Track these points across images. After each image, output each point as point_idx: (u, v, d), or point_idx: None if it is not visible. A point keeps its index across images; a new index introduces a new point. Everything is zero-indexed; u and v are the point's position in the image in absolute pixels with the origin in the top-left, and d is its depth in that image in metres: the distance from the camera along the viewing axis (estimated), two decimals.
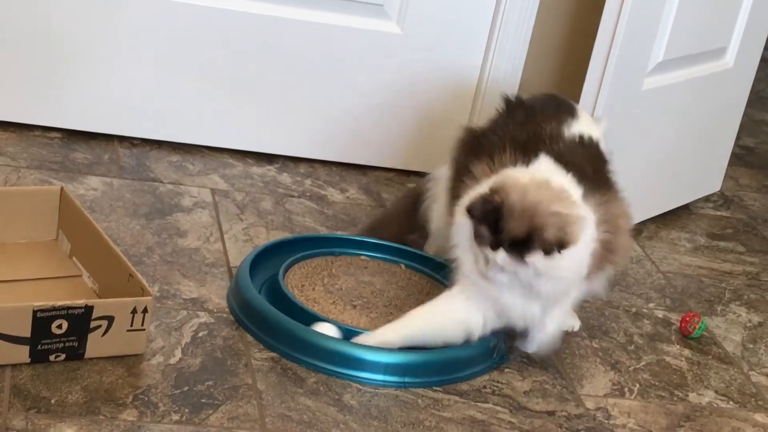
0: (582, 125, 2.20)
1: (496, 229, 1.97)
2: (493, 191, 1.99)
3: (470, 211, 2.00)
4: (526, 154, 2.09)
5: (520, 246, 1.97)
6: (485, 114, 2.79)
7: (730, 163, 3.15)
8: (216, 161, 2.73)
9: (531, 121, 2.18)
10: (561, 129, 2.16)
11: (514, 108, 2.25)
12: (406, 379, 2.03)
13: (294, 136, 2.80)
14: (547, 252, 1.96)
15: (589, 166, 2.13)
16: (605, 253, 2.09)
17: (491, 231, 1.98)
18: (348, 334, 2.06)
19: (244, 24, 2.68)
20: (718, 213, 3.02)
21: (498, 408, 2.03)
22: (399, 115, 2.81)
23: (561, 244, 1.96)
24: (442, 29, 2.75)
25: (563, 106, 2.25)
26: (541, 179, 2.03)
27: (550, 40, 2.77)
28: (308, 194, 2.67)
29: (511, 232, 1.96)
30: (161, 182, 2.58)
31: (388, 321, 2.12)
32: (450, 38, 2.76)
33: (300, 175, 2.75)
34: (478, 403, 2.03)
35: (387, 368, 2.02)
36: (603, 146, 2.23)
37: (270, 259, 2.26)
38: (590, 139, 2.19)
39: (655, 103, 2.68)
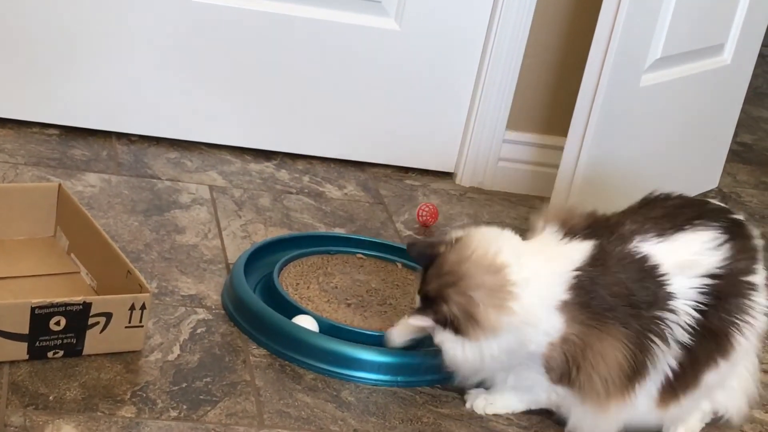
0: (675, 249, 1.88)
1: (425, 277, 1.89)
2: (451, 240, 1.89)
3: (409, 246, 1.93)
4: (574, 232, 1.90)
5: (431, 304, 1.86)
6: (483, 112, 2.79)
7: (728, 160, 3.15)
8: (214, 158, 2.73)
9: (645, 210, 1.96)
10: (635, 235, 1.89)
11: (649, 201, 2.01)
12: (399, 378, 2.03)
13: (292, 132, 2.80)
14: (441, 324, 1.85)
15: (611, 288, 1.85)
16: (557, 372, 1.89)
17: (422, 276, 1.90)
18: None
19: (241, 21, 2.68)
20: None
21: None
22: (397, 112, 2.81)
23: (455, 326, 1.84)
24: (439, 26, 2.75)
25: (696, 215, 1.94)
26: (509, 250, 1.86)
27: (547, 38, 2.77)
28: (306, 191, 2.67)
29: (426, 285, 1.88)
30: (159, 179, 2.58)
31: (382, 320, 2.12)
32: (448, 35, 2.76)
33: (298, 172, 2.75)
34: None
35: (380, 367, 2.02)
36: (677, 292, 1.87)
37: (265, 257, 2.26)
38: (652, 265, 1.86)
39: (653, 99, 2.68)
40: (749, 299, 1.89)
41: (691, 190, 3.01)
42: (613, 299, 1.84)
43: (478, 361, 1.86)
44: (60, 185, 2.23)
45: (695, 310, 1.85)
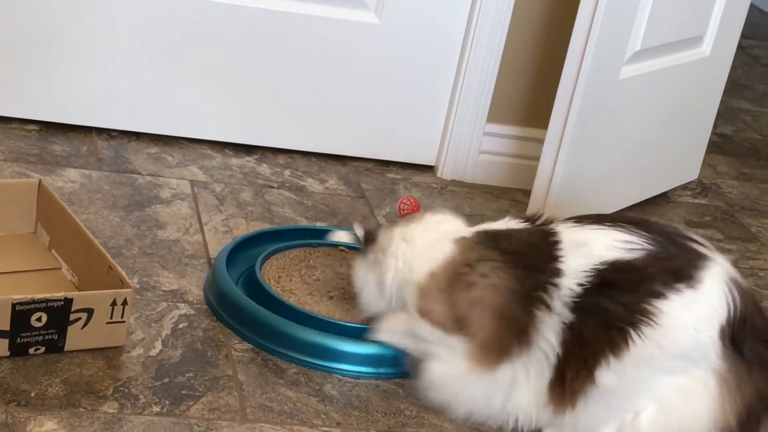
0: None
1: None
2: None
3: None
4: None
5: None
6: (463, 104, 2.80)
7: (708, 151, 3.16)
8: (195, 153, 2.73)
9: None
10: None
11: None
12: (381, 370, 2.03)
13: (273, 127, 2.79)
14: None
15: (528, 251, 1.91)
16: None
17: None
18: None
19: (221, 15, 2.68)
20: (696, 201, 3.04)
21: None
22: (378, 106, 2.81)
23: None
24: (420, 20, 2.75)
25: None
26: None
27: (527, 31, 2.78)
28: (287, 185, 2.67)
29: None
30: (140, 174, 2.58)
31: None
32: (428, 29, 2.76)
33: (279, 166, 2.75)
34: None
35: (363, 360, 2.03)
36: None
37: (247, 251, 2.26)
38: (554, 240, 1.90)
39: (633, 91, 2.68)
40: (650, 304, 1.80)
41: (672, 182, 3.02)
42: (510, 252, 1.91)
43: (372, 284, 2.02)
44: (40, 181, 2.22)
45: (580, 289, 1.83)
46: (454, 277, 1.92)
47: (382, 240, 2.04)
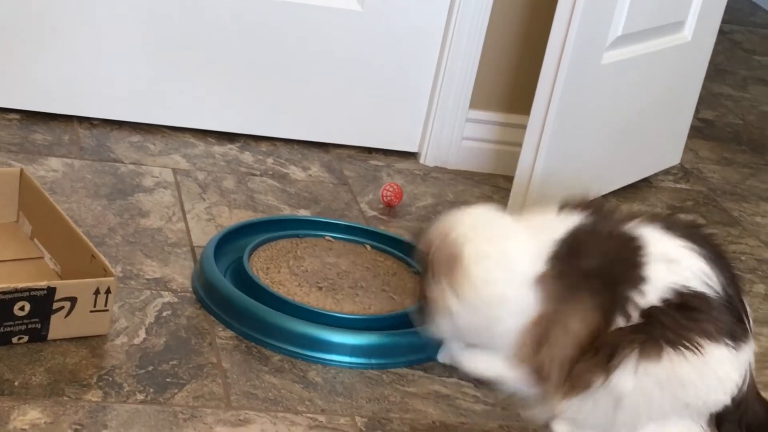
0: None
1: None
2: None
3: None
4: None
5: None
6: (446, 91, 2.80)
7: (690, 136, 3.17)
8: (177, 141, 2.72)
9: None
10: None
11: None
12: (373, 361, 2.04)
13: (255, 114, 2.79)
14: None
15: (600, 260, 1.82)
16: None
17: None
18: None
19: (203, 3, 2.67)
20: (678, 186, 3.05)
21: (462, 382, 2.04)
22: (360, 93, 2.81)
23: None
24: (401, 6, 2.75)
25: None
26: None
27: (509, 17, 2.78)
28: (270, 173, 2.66)
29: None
30: (122, 163, 2.57)
31: (354, 302, 2.13)
32: (410, 15, 2.76)
33: (262, 154, 2.75)
34: (443, 378, 2.04)
35: (353, 350, 2.03)
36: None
37: (235, 241, 2.25)
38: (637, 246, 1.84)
39: (615, 77, 2.69)
40: (701, 338, 1.78)
41: (654, 167, 3.03)
42: (593, 271, 1.80)
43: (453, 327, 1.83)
44: (22, 170, 2.21)
45: (660, 303, 1.79)
46: (544, 333, 1.80)
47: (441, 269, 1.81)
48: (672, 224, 1.86)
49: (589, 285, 1.81)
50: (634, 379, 1.80)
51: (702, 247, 1.84)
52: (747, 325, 1.85)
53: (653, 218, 1.87)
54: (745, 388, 1.83)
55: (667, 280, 1.80)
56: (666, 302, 1.80)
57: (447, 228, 1.84)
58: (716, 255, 1.85)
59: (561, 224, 1.85)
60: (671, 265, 1.81)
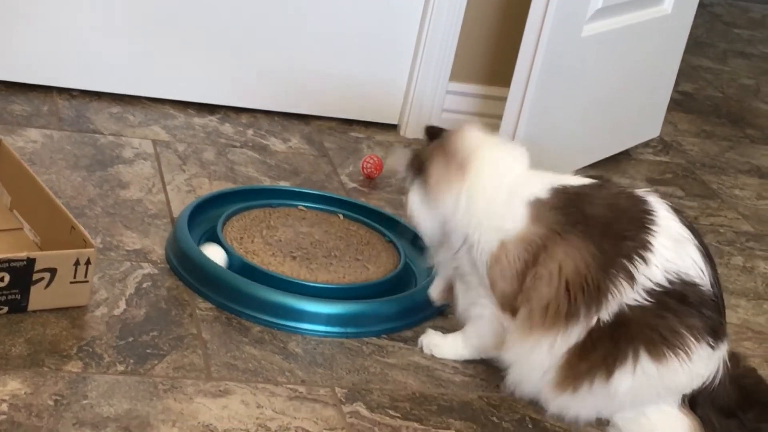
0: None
1: None
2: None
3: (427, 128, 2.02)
4: None
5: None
6: (426, 63, 2.80)
7: (669, 109, 3.18)
8: (157, 112, 2.72)
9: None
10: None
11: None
12: (348, 330, 2.04)
13: (235, 86, 2.78)
14: (410, 170, 1.95)
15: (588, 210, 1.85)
16: (496, 265, 1.88)
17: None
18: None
19: None
20: (658, 158, 3.06)
21: None
22: (340, 64, 2.81)
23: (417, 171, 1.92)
24: None
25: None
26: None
27: None
28: (250, 144, 2.66)
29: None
30: (102, 134, 2.56)
31: (328, 272, 2.13)
32: None
33: (242, 125, 2.74)
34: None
35: (329, 319, 2.03)
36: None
37: (208, 211, 2.25)
38: (648, 209, 1.86)
39: (595, 49, 2.69)
40: (691, 339, 1.84)
41: (633, 139, 3.04)
42: (596, 218, 1.83)
43: (429, 220, 1.92)
44: (0, 141, 2.20)
45: (663, 280, 1.82)
46: (527, 257, 1.83)
47: (434, 175, 1.90)
48: (675, 209, 1.88)
49: (588, 229, 1.83)
50: (632, 379, 1.83)
51: (698, 239, 1.86)
52: (725, 323, 1.89)
53: (657, 194, 1.90)
54: (717, 379, 1.87)
55: (670, 259, 1.82)
56: (666, 289, 1.81)
57: (460, 134, 1.92)
58: (706, 250, 1.88)
59: (566, 177, 1.91)
60: (677, 245, 1.83)
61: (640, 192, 1.90)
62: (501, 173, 1.90)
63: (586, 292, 1.82)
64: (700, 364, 1.85)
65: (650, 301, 1.81)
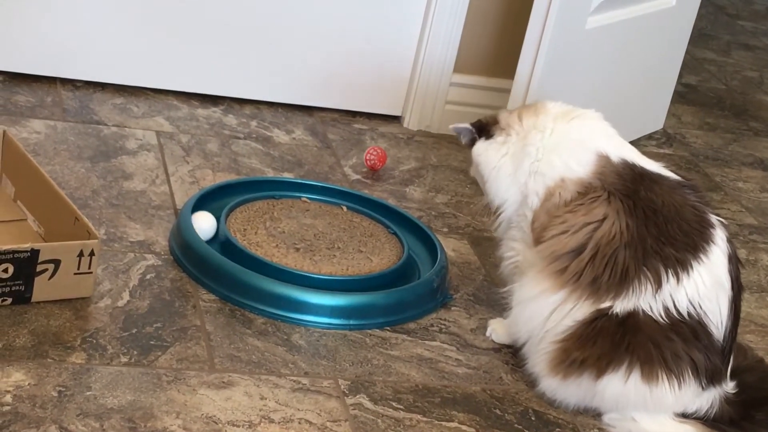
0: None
1: None
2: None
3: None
4: None
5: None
6: (430, 55, 2.79)
7: (673, 101, 3.18)
8: (161, 103, 2.72)
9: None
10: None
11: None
12: (351, 321, 2.04)
13: (239, 77, 2.78)
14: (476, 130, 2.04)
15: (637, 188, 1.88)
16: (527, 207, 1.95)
17: None
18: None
19: None
20: (662, 150, 3.05)
21: (445, 345, 2.05)
22: (344, 57, 2.80)
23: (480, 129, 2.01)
24: None
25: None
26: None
27: None
28: (254, 136, 2.66)
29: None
30: (105, 125, 2.56)
31: (332, 263, 2.13)
32: None
33: (245, 117, 2.74)
34: (426, 341, 2.05)
35: (332, 311, 2.04)
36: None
37: (211, 202, 2.25)
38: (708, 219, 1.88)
39: (599, 42, 2.69)
40: (689, 375, 1.87)
41: (637, 132, 3.04)
42: (648, 203, 1.85)
43: (506, 170, 1.96)
44: (5, 132, 2.20)
45: (689, 306, 1.83)
46: (581, 200, 1.87)
47: (510, 121, 1.99)
48: (734, 255, 1.89)
49: (637, 211, 1.84)
50: (620, 387, 1.84)
51: (734, 294, 1.87)
52: (728, 368, 1.89)
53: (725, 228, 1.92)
54: (712, 412, 1.89)
55: (701, 294, 1.82)
56: (682, 318, 1.82)
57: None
58: (737, 309, 1.88)
59: (648, 162, 1.93)
60: (714, 286, 1.84)
61: (713, 216, 1.89)
62: (579, 117, 1.98)
63: (610, 266, 1.83)
64: (688, 396, 1.87)
65: (664, 320, 1.82)
